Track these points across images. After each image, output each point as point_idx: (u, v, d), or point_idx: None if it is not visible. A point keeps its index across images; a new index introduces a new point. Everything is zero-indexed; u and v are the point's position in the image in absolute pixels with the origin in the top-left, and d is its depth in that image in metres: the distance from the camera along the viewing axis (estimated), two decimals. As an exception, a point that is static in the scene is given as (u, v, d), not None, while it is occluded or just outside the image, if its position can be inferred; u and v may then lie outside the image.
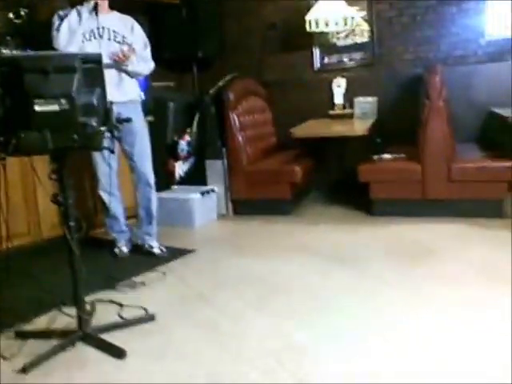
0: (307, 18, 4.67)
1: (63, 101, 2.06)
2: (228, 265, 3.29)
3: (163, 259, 3.42)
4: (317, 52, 5.16)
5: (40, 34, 3.53)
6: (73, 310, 2.38)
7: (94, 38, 3.24)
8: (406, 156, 4.12)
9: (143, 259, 3.46)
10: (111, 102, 2.23)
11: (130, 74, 3.35)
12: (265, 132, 5.10)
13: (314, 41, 5.11)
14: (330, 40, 5.10)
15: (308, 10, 4.71)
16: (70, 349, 2.25)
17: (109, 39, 3.27)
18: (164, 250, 3.53)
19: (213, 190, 4.50)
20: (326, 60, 5.16)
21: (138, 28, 3.42)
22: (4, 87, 2.03)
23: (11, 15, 3.97)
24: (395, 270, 2.97)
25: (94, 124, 2.13)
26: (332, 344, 2.18)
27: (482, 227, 3.60)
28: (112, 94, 2.39)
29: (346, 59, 5.09)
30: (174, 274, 3.17)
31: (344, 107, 5.05)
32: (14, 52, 3.63)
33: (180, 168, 4.63)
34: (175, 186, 4.63)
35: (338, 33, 5.02)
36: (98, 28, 3.25)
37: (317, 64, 5.18)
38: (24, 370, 2.09)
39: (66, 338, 2.29)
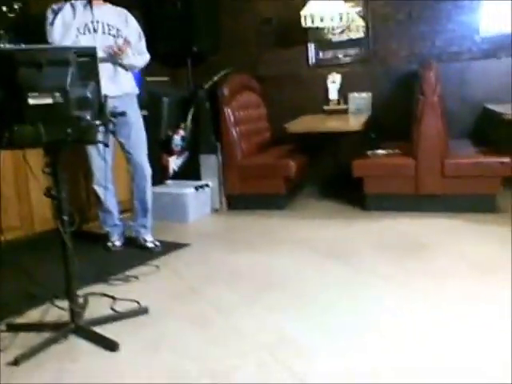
0: (302, 13, 4.67)
1: (57, 94, 2.05)
2: (221, 259, 3.29)
3: (157, 253, 3.42)
4: (312, 48, 5.15)
5: (33, 28, 3.51)
6: (65, 303, 2.37)
7: (89, 31, 3.22)
8: (399, 151, 4.14)
9: (136, 253, 3.45)
10: (106, 96, 2.22)
11: (126, 67, 3.34)
12: (259, 127, 5.10)
13: (309, 36, 5.10)
14: (325, 36, 5.10)
15: (303, 5, 4.71)
16: (62, 341, 2.25)
17: (103, 33, 3.26)
18: (157, 244, 3.52)
19: (207, 185, 4.49)
20: (321, 56, 5.16)
21: (132, 20, 3.41)
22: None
23: (4, 9, 3.94)
24: (389, 264, 2.98)
25: (88, 118, 2.12)
26: (326, 338, 2.18)
27: (475, 222, 3.62)
28: (107, 88, 2.38)
29: (341, 55, 5.09)
30: (167, 267, 3.17)
31: (339, 103, 5.05)
32: (8, 46, 3.60)
33: (174, 163, 4.62)
34: (169, 181, 4.62)
35: (333, 29, 5.02)
36: (92, 22, 3.23)
37: (312, 60, 5.17)
38: (16, 362, 2.09)
39: (59, 331, 2.29)
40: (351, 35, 5.02)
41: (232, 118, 4.58)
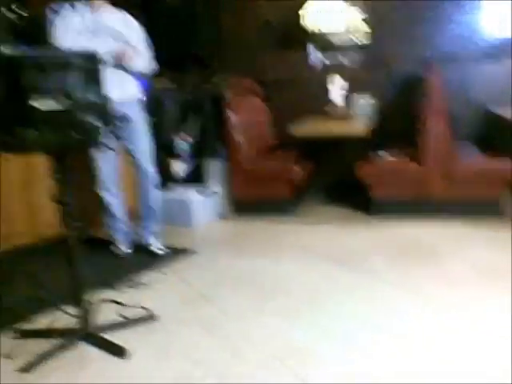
0: (305, 16, 4.67)
1: (61, 98, 2.05)
2: (228, 265, 3.29)
3: (164, 259, 3.42)
4: (314, 51, 5.15)
5: (32, 30, 3.49)
6: (74, 310, 2.37)
7: (92, 34, 3.18)
8: (404, 156, 4.13)
9: (144, 259, 3.45)
10: (110, 100, 2.21)
11: (129, 72, 3.33)
12: (263, 131, 5.10)
13: (311, 39, 5.11)
14: (327, 39, 5.10)
15: (306, 8, 4.71)
16: (71, 348, 2.26)
17: (106, 36, 3.22)
18: (165, 249, 3.52)
19: (212, 190, 4.49)
20: (323, 59, 5.16)
21: (134, 23, 3.37)
22: (1, 84, 2.01)
23: (3, 10, 3.92)
24: (395, 269, 2.98)
25: (93, 121, 2.12)
26: (333, 344, 2.18)
27: (480, 227, 3.61)
28: (112, 93, 2.38)
29: (342, 58, 5.08)
30: (174, 273, 3.17)
31: (342, 106, 5.05)
32: (11, 48, 3.61)
33: (179, 167, 4.62)
34: (175, 186, 4.62)
35: (335, 32, 5.03)
36: (95, 24, 3.21)
37: (313, 63, 5.17)
38: (25, 369, 2.10)
39: (68, 337, 2.29)
40: (353, 38, 5.02)
41: (236, 123, 4.58)
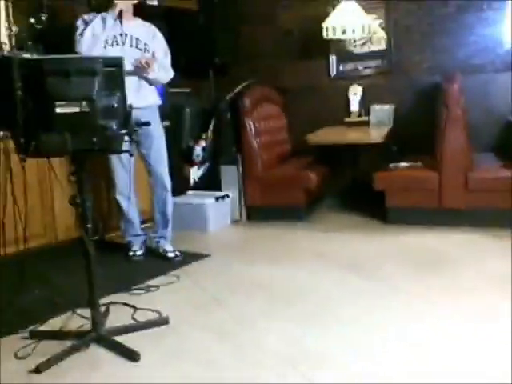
0: (324, 25, 4.67)
1: (84, 103, 2.08)
2: (242, 270, 3.28)
3: (177, 263, 3.43)
4: (333, 59, 5.15)
5: (60, 40, 3.56)
6: (87, 312, 2.38)
7: (117, 44, 3.28)
8: (422, 164, 4.09)
9: (158, 263, 3.47)
10: (131, 106, 2.24)
11: (150, 81, 3.38)
12: (280, 138, 5.10)
13: (331, 48, 5.11)
14: (346, 47, 5.10)
15: (325, 17, 4.72)
16: (83, 350, 2.26)
17: (131, 46, 3.31)
18: (178, 254, 3.53)
19: (227, 196, 4.50)
20: (342, 67, 5.16)
21: (160, 36, 3.46)
22: (26, 90, 2.04)
23: (32, 20, 4.01)
24: (410, 279, 2.94)
25: (114, 127, 2.14)
26: (346, 351, 2.15)
27: (497, 237, 3.55)
28: (131, 100, 2.40)
29: (362, 67, 5.07)
30: (188, 278, 3.17)
31: (360, 115, 5.03)
32: (35, 55, 3.66)
33: (195, 173, 4.64)
34: (190, 191, 4.64)
35: (354, 40, 5.02)
36: (121, 34, 3.29)
37: (333, 71, 5.17)
38: (38, 370, 2.10)
39: (80, 340, 2.29)
40: (373, 47, 5.01)
41: (253, 130, 4.59)
